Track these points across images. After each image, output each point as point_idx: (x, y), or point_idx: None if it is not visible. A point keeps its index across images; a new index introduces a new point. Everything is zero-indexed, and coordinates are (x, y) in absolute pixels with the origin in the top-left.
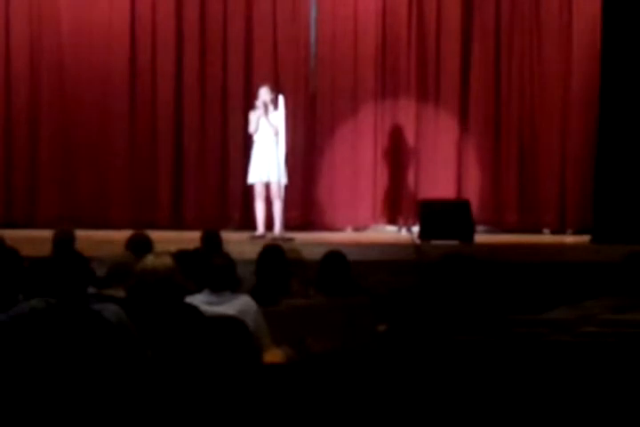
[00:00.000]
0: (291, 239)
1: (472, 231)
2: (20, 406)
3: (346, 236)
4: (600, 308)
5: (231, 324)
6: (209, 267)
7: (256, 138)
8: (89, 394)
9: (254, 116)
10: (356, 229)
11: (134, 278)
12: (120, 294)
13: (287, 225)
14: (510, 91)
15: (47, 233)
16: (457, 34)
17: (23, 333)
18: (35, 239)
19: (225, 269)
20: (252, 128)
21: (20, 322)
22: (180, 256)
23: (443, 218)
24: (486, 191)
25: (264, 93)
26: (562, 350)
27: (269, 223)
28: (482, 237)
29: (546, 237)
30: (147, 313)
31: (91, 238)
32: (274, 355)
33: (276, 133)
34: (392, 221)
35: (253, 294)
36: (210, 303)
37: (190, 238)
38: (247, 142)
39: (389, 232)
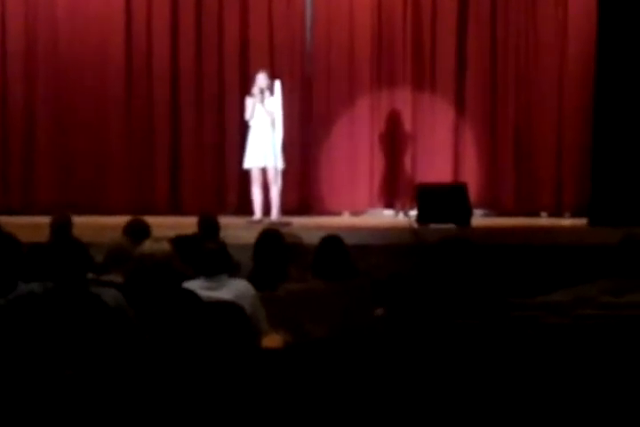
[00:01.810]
0: (288, 224)
1: (469, 215)
2: (17, 390)
3: (343, 220)
4: (597, 290)
5: (229, 309)
6: (201, 253)
7: (252, 123)
8: (87, 378)
9: (250, 103)
10: (354, 214)
11: (132, 264)
12: (118, 279)
13: (284, 210)
14: (506, 75)
15: (45, 219)
16: (453, 18)
17: (21, 317)
18: (32, 225)
19: (217, 254)
20: (247, 115)
21: (17, 306)
22: (178, 241)
23: (440, 202)
24: (483, 175)
25: (261, 79)
26: (560, 333)
27: (266, 208)
28: (479, 221)
29: (543, 221)
30: (145, 298)
31: (88, 224)
32: (272, 340)
33: (273, 119)
34: (389, 205)
35: (251, 279)
36: (207, 289)
37: (188, 224)
38: (244, 128)
39: (387, 216)
